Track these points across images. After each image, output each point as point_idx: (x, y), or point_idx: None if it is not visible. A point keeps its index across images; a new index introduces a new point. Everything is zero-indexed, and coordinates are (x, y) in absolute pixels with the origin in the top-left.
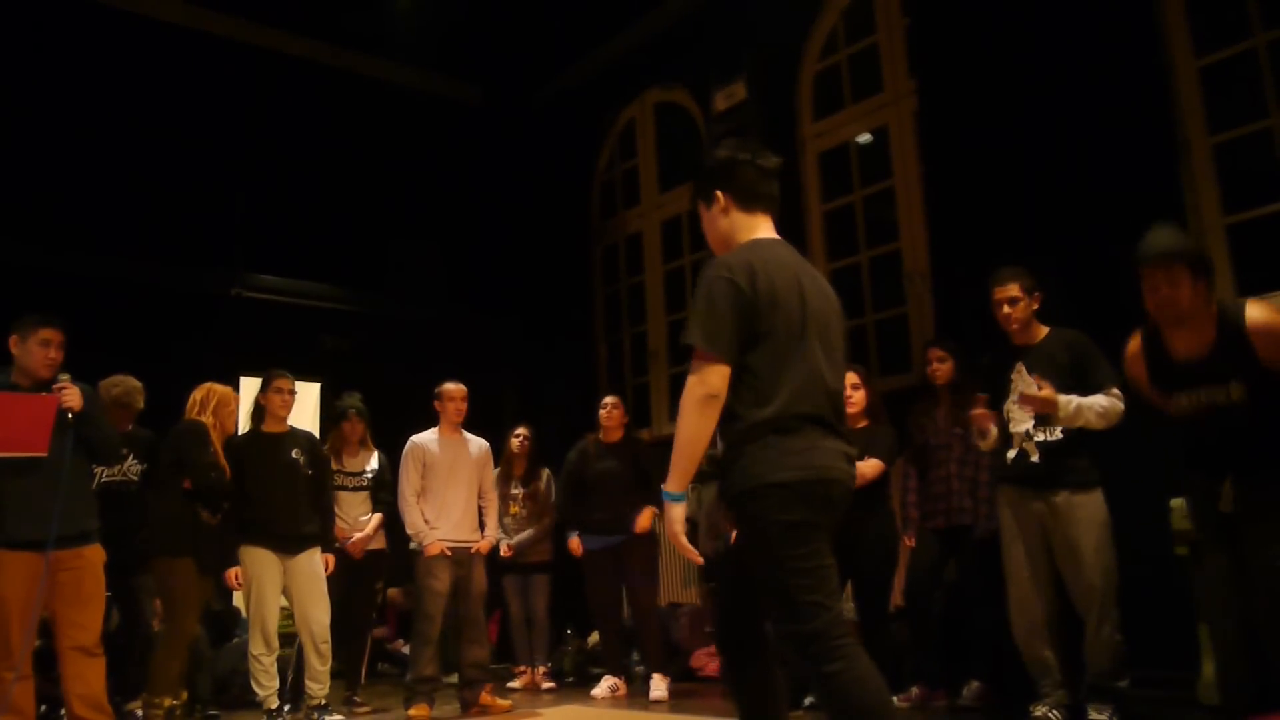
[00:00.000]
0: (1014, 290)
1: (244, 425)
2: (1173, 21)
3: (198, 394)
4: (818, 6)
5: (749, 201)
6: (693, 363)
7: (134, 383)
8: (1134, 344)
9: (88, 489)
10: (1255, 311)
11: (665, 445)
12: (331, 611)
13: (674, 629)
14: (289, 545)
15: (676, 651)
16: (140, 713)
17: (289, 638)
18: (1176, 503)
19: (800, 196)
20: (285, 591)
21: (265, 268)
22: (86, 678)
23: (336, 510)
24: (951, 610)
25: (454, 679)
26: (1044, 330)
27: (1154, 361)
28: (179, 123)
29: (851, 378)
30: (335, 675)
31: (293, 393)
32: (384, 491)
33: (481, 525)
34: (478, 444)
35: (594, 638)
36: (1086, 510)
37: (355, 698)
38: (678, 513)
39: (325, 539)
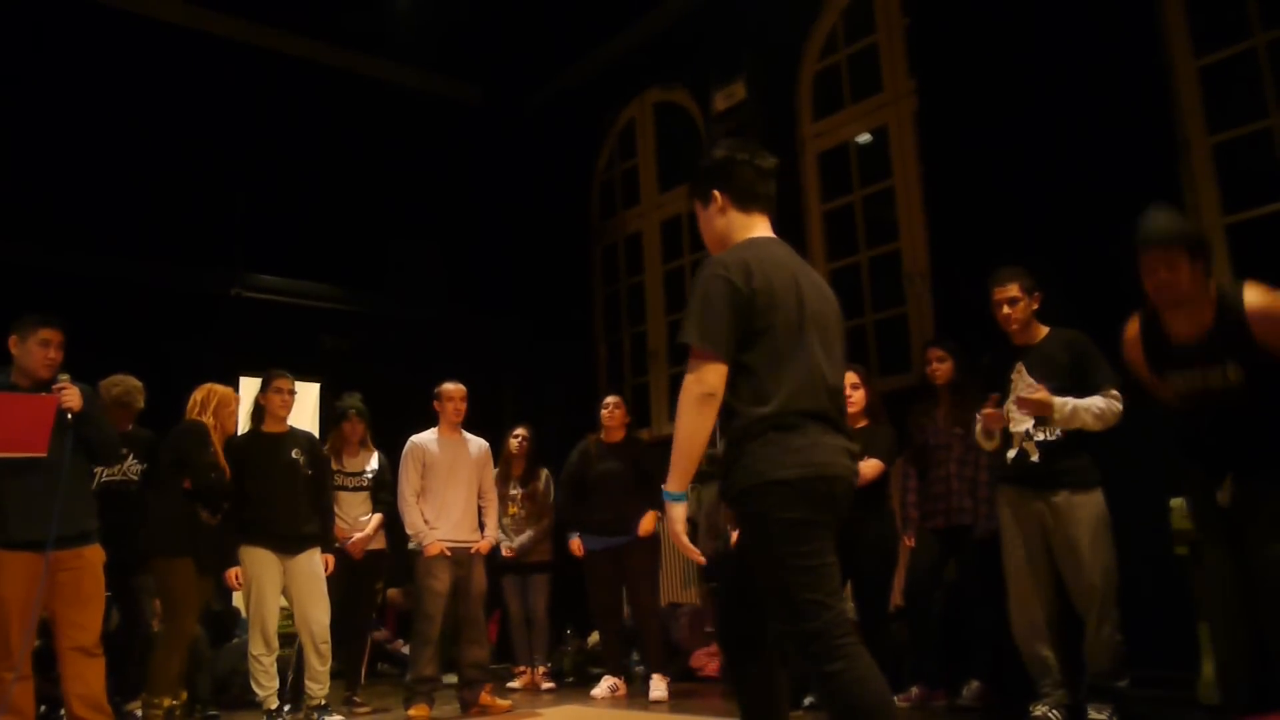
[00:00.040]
0: (1014, 290)
1: (244, 425)
2: (1172, 21)
3: (198, 394)
4: (817, 6)
5: (746, 201)
6: (690, 361)
7: (134, 382)
8: (1132, 327)
9: (87, 489)
10: (1253, 295)
11: (665, 445)
12: (331, 611)
13: (674, 629)
14: (289, 545)
15: (676, 651)
16: (140, 713)
17: (289, 638)
18: (1176, 503)
19: (800, 196)
20: (285, 592)
21: (265, 268)
22: (86, 678)
23: (336, 510)
24: (951, 610)
25: (454, 679)
26: (1044, 330)
27: (1151, 343)
28: (179, 123)
29: (851, 377)
30: (335, 675)
31: (292, 393)
32: (384, 492)
33: (481, 525)
34: (477, 444)
35: (594, 638)
36: (1086, 510)
37: (355, 698)
38: (679, 512)
39: (325, 539)
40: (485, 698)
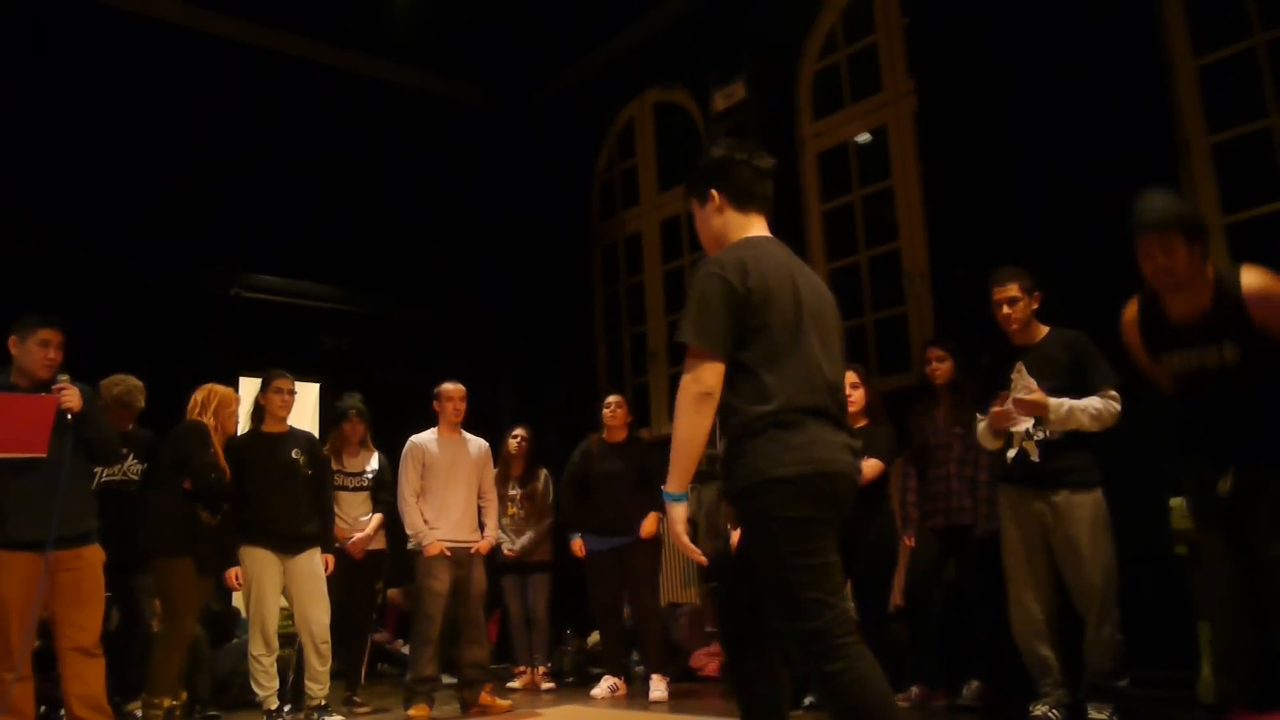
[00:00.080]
0: (1013, 290)
1: (244, 425)
2: (1172, 21)
3: (199, 395)
4: (817, 6)
5: (744, 201)
6: (687, 361)
7: (135, 382)
8: (1130, 310)
9: (87, 489)
10: (1251, 277)
11: (665, 445)
12: (331, 611)
13: (674, 629)
14: (289, 545)
15: (676, 652)
16: (140, 713)
17: (289, 638)
18: (1176, 502)
19: (799, 196)
20: (285, 592)
21: (265, 268)
22: (86, 678)
23: (336, 510)
24: (951, 610)
25: (454, 679)
26: (1044, 330)
27: (1149, 324)
28: (179, 123)
29: (850, 377)
30: (335, 675)
31: (292, 393)
32: (384, 492)
33: (481, 525)
34: (477, 444)
35: (594, 638)
36: (1086, 509)
37: (355, 698)
38: (679, 513)
39: (325, 539)
40: (485, 698)
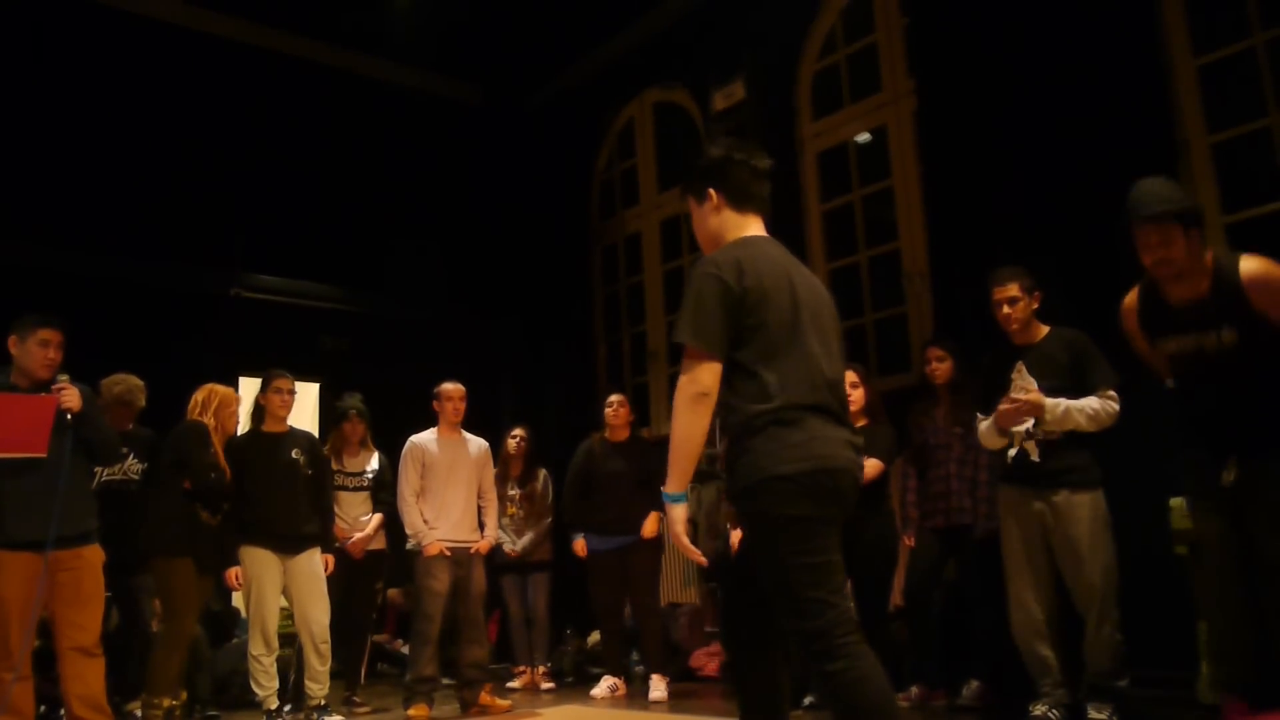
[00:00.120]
0: (1013, 290)
1: (244, 425)
2: (1172, 21)
3: (199, 395)
4: (816, 6)
5: (741, 201)
6: (683, 361)
7: (135, 381)
8: (1130, 297)
9: (87, 489)
10: (1251, 264)
11: (665, 445)
12: (331, 611)
13: (674, 629)
14: (289, 545)
15: (676, 651)
16: (140, 713)
17: (289, 638)
18: (1176, 502)
19: (799, 196)
20: (285, 592)
21: (265, 268)
22: (86, 678)
23: (337, 510)
24: (951, 610)
25: (454, 679)
26: (1044, 330)
27: (1148, 310)
28: (179, 123)
29: (850, 376)
30: (335, 675)
31: (292, 393)
32: (384, 492)
33: (481, 525)
34: (477, 444)
35: (594, 637)
36: (1086, 509)
37: (355, 698)
38: (679, 513)
39: (325, 539)
40: (485, 697)
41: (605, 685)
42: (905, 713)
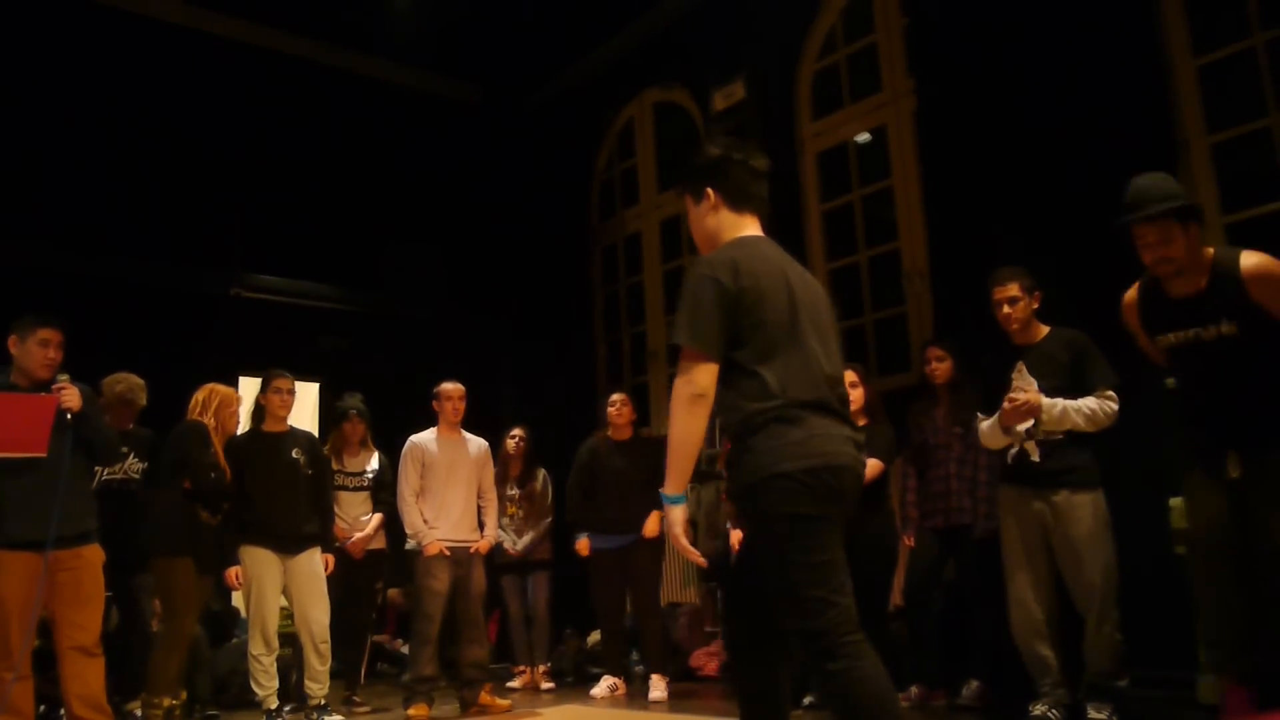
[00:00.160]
0: (1014, 290)
1: (244, 425)
2: (1172, 21)
3: (200, 395)
4: (816, 6)
5: (739, 201)
6: (680, 363)
7: (136, 380)
8: (1130, 293)
9: (87, 489)
10: (1251, 258)
11: (664, 445)
12: (331, 611)
13: (674, 629)
14: (289, 545)
15: (676, 651)
16: (140, 713)
17: (289, 638)
18: (1176, 502)
19: (799, 196)
20: (285, 591)
21: (264, 268)
22: (86, 678)
23: (337, 510)
24: (951, 610)
25: (453, 679)
26: (1044, 330)
27: (1149, 305)
28: (179, 123)
29: (850, 376)
30: (335, 675)
31: (292, 393)
32: (385, 492)
33: (481, 525)
34: (477, 444)
35: (594, 637)
36: (1086, 509)
37: (355, 698)
38: (678, 514)
39: (325, 539)
40: (485, 697)
41: (605, 685)
42: (905, 712)
